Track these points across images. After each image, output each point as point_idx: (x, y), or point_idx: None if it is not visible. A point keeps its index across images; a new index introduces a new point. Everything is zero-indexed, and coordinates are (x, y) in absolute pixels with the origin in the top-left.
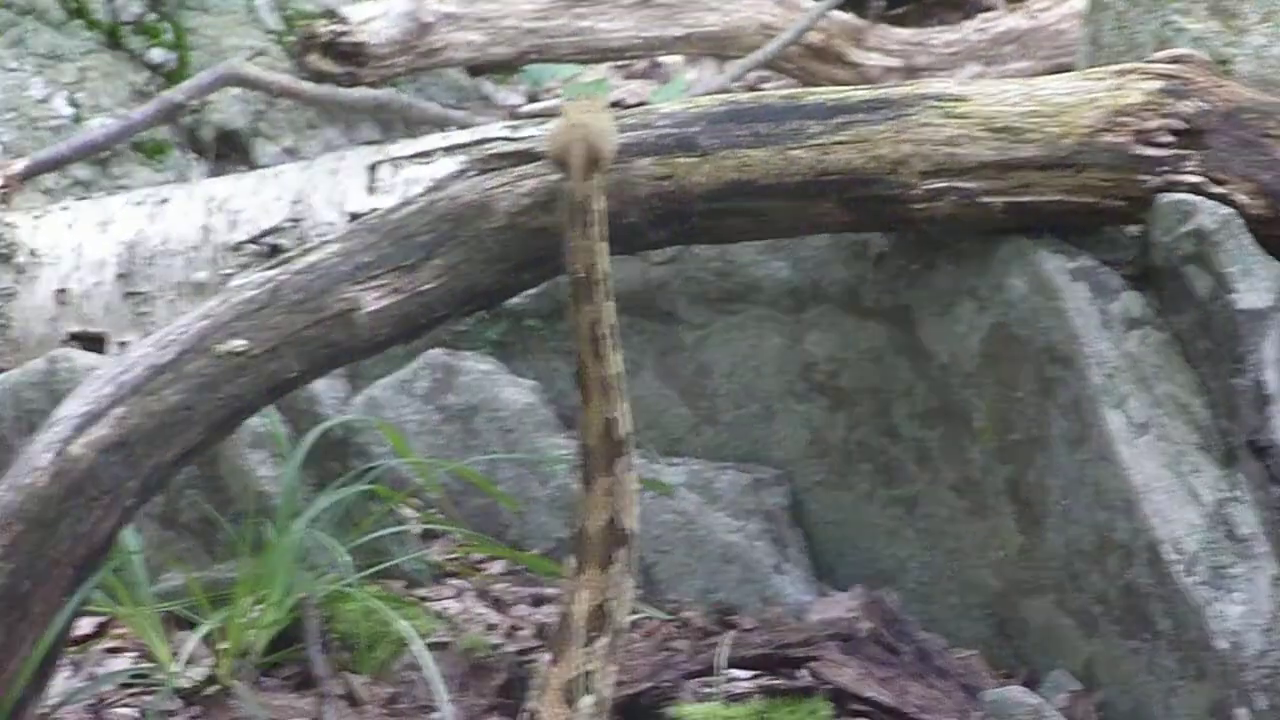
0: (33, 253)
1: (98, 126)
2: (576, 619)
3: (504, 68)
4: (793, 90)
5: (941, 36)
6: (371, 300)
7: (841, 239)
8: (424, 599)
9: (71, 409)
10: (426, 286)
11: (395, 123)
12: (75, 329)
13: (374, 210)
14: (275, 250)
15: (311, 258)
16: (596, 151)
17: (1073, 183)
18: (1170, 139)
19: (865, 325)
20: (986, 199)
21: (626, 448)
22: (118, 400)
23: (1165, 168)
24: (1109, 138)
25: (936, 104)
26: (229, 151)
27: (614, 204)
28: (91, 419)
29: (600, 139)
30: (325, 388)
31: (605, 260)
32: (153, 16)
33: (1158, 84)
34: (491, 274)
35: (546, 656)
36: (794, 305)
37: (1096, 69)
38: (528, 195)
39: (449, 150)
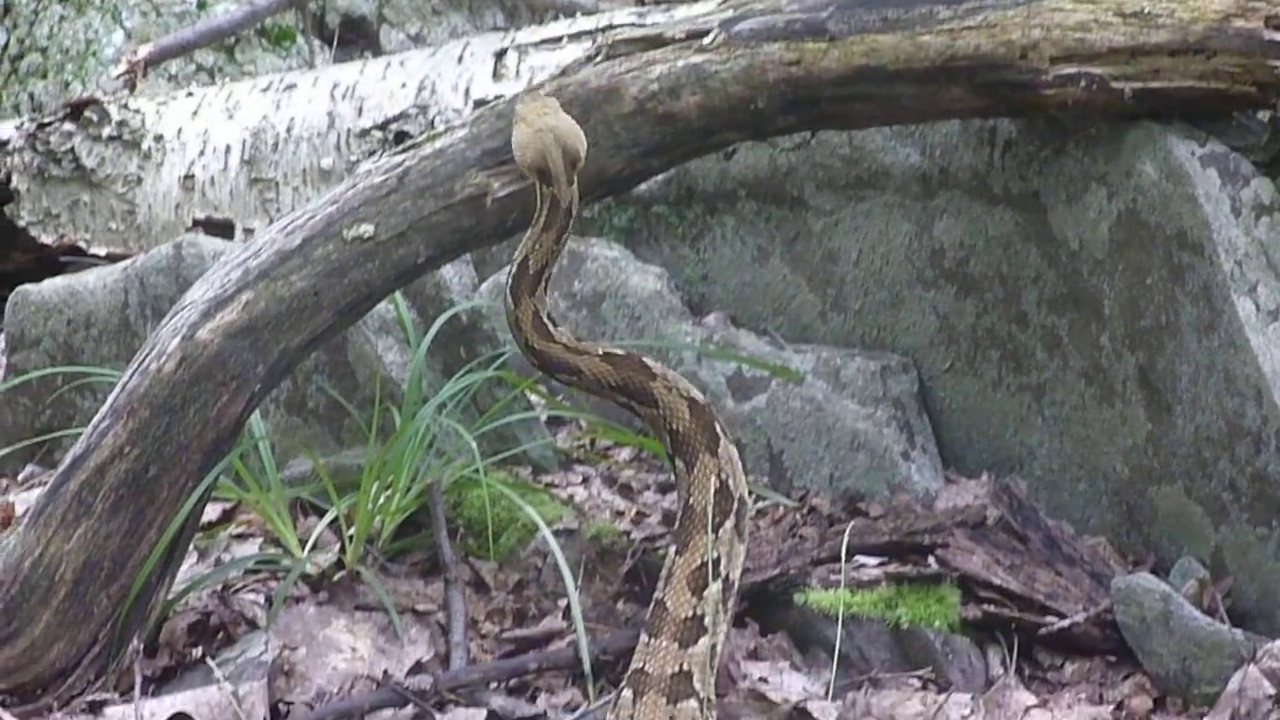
0: (158, 139)
1: (223, 13)
2: (699, 508)
3: None
4: None
5: None
6: (499, 186)
7: (970, 125)
8: (551, 485)
9: (198, 294)
10: None
11: (521, 9)
12: (201, 215)
13: (500, 97)
14: (401, 137)
15: (439, 143)
16: (574, 153)
17: (1203, 68)
18: None
19: (994, 212)
20: (1117, 84)
21: (632, 356)
22: (245, 285)
23: None
24: (1240, 23)
25: None
26: (355, 38)
27: (742, 90)
28: (219, 304)
29: (573, 138)
30: (452, 273)
31: (559, 260)
32: None
33: None
34: (620, 159)
35: (672, 548)
36: (923, 192)
37: None
38: (656, 81)
39: (575, 37)
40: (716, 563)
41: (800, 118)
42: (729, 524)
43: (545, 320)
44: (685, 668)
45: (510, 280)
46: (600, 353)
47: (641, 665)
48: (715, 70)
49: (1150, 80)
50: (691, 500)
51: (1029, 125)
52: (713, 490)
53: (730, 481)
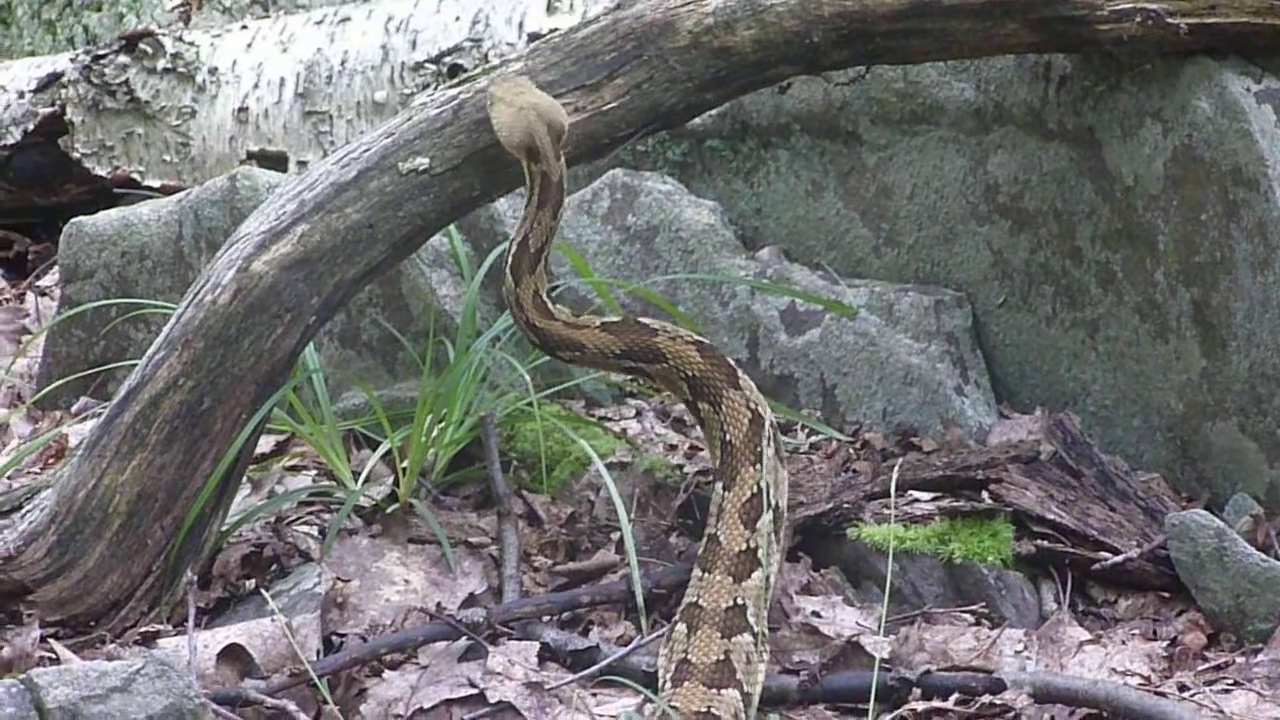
0: (212, 71)
1: None
2: (738, 442)
3: None
4: None
5: None
6: None
7: (1025, 60)
8: (604, 419)
9: (254, 226)
10: (609, 105)
11: None
12: (254, 148)
13: (554, 30)
14: (455, 70)
15: (494, 76)
16: (559, 128)
17: (1260, 4)
18: None
19: (1049, 147)
20: (1173, 20)
21: (629, 319)
22: (300, 217)
23: None
24: None
25: None
26: None
27: (797, 24)
28: (274, 236)
29: (555, 113)
30: (506, 206)
31: (554, 238)
32: None
33: None
34: (674, 93)
35: (718, 485)
36: (977, 127)
37: None
38: (711, 14)
39: None
40: (766, 491)
41: (855, 52)
42: (769, 451)
43: (545, 298)
44: (739, 601)
45: (510, 259)
46: (598, 324)
47: (695, 599)
48: (771, 4)
49: (1206, 15)
50: (728, 436)
51: (1084, 60)
52: (747, 422)
53: (759, 409)
